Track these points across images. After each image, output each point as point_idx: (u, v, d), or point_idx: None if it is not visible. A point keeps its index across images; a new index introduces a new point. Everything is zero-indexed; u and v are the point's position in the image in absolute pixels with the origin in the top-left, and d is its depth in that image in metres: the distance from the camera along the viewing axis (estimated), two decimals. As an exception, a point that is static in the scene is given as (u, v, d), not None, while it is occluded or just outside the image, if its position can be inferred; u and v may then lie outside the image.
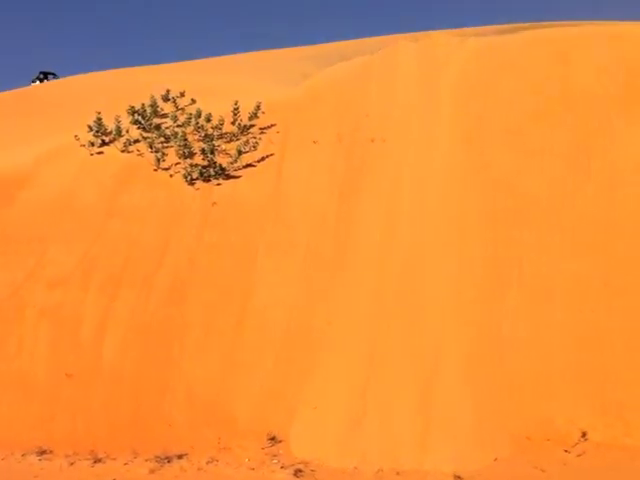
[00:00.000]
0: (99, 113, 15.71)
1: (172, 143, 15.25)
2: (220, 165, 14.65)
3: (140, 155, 15.11)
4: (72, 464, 10.79)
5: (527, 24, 17.89)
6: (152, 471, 10.51)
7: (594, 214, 12.58)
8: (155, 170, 14.75)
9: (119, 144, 15.41)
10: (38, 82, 34.51)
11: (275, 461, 10.53)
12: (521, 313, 11.65)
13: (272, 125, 15.58)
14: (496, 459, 10.19)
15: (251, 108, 15.72)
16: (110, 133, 15.69)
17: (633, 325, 11.18)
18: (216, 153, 14.86)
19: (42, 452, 11.11)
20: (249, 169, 14.68)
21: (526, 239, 12.49)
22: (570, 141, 13.71)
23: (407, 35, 18.41)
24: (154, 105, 16.35)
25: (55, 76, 35.28)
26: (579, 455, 10.13)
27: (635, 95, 13.99)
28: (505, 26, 18.12)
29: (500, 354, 11.27)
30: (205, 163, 14.66)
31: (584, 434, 10.33)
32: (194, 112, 15.93)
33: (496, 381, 11.02)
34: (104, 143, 15.57)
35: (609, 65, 14.74)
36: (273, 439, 10.87)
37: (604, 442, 10.24)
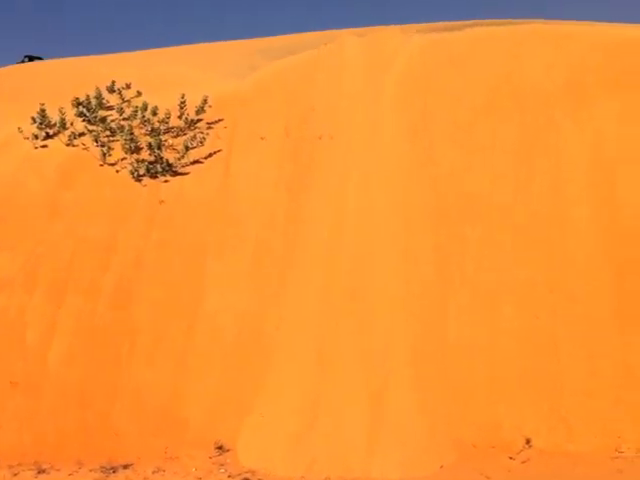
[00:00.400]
0: (43, 105, 15.39)
1: (118, 137, 15.03)
2: (167, 161, 14.49)
3: (85, 149, 14.86)
4: (16, 475, 10.68)
5: (473, 21, 17.94)
6: (97, 481, 10.49)
7: (538, 212, 12.69)
8: (101, 165, 14.54)
9: (64, 137, 15.13)
10: None
11: (222, 470, 10.53)
12: (465, 316, 11.79)
13: (219, 120, 15.44)
14: (442, 466, 10.36)
15: (198, 101, 15.51)
16: (54, 125, 15.41)
17: (576, 331, 11.38)
18: (163, 148, 14.69)
19: (-15, 464, 10.97)
20: (196, 165, 14.56)
21: (470, 236, 12.61)
22: (516, 138, 13.79)
23: (353, 30, 18.33)
24: (99, 97, 16.03)
25: (42, 61, 33.79)
26: (523, 462, 10.32)
27: (582, 93, 14.13)
28: (451, 23, 18.14)
29: (446, 360, 11.43)
30: (152, 159, 14.48)
31: (528, 441, 10.54)
32: (140, 105, 15.69)
33: (443, 388, 11.17)
34: (48, 136, 15.28)
35: (557, 63, 14.84)
36: (221, 448, 10.88)
37: (548, 449, 10.45)
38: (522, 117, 14.07)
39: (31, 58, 32.66)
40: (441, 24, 18.48)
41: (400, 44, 16.57)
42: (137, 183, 14.21)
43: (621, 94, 13.97)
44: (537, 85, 14.57)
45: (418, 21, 20.09)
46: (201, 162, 14.61)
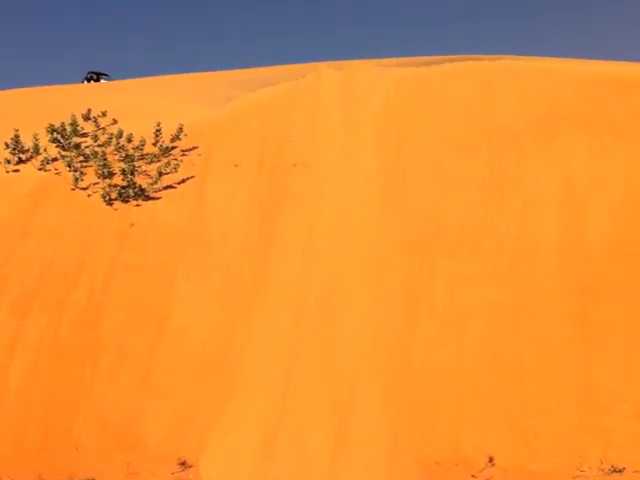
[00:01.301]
0: (17, 130, 15.44)
1: (91, 163, 15.06)
2: (140, 186, 14.52)
3: (58, 174, 14.89)
4: (-26, 489, 10.52)
5: (448, 56, 18.21)
6: (56, 496, 10.31)
7: (505, 245, 12.79)
8: (73, 189, 14.54)
9: (36, 162, 15.16)
10: (85, 82, 32.47)
11: (184, 486, 10.46)
12: (433, 340, 11.79)
13: (194, 147, 15.51)
14: (405, 484, 10.30)
15: (173, 130, 15.62)
16: (28, 151, 15.43)
17: (540, 354, 11.42)
18: (136, 174, 14.71)
19: (-57, 477, 10.77)
20: (169, 191, 14.57)
21: (440, 267, 12.65)
22: (486, 172, 13.91)
23: (330, 63, 18.55)
24: (74, 124, 16.09)
25: (108, 77, 33.32)
26: (486, 480, 10.31)
27: (552, 128, 14.28)
28: (427, 58, 18.43)
29: (413, 380, 11.39)
30: (124, 184, 14.51)
31: (491, 459, 10.50)
32: (115, 132, 15.77)
33: (408, 408, 11.15)
34: (21, 161, 15.29)
35: (528, 98, 15.03)
36: (183, 464, 10.77)
37: (510, 467, 10.41)
38: (492, 151, 14.21)
39: (96, 74, 32.30)
40: (416, 59, 18.74)
41: (377, 78, 16.73)
42: (108, 207, 14.20)
43: (591, 129, 14.13)
44: (508, 120, 14.72)
45: (394, 55, 20.34)
46: (174, 187, 14.63)
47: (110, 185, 14.48)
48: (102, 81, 32.63)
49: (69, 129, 16.01)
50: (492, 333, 11.75)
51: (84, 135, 16.18)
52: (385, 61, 18.83)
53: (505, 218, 13.13)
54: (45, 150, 15.38)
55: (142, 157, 15.41)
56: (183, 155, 15.37)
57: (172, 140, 15.63)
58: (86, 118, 16.76)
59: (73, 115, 16.25)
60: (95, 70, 33.97)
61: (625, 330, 11.58)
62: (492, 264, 12.58)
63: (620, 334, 11.57)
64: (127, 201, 14.34)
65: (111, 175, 14.77)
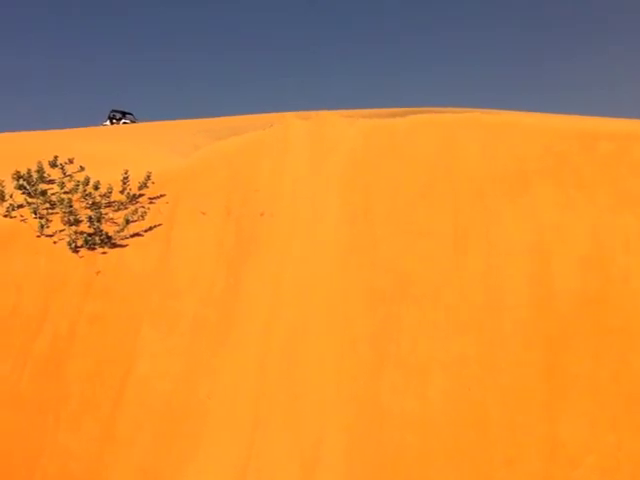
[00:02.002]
0: (-19, 177, 15.35)
1: (57, 210, 14.97)
2: (106, 233, 14.44)
3: (23, 221, 14.77)
4: None
5: (414, 108, 18.43)
6: None
7: (471, 296, 12.85)
8: (38, 236, 14.43)
9: (2, 209, 15.03)
10: (108, 122, 31.09)
11: (147, 540, 10.26)
12: (398, 390, 11.78)
13: (162, 195, 15.50)
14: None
15: (141, 177, 15.60)
16: (-7, 197, 15.33)
17: (506, 404, 11.45)
18: (103, 221, 14.65)
19: None
20: (136, 238, 14.52)
21: (405, 317, 12.69)
22: (452, 223, 14.00)
23: (297, 113, 18.72)
24: (40, 171, 16.03)
25: (132, 117, 31.92)
26: (453, 531, 10.25)
27: (518, 180, 14.44)
28: (393, 109, 18.65)
29: (378, 430, 11.36)
30: (91, 231, 14.43)
31: (458, 510, 10.49)
32: (82, 179, 15.71)
33: (373, 457, 11.10)
34: (-14, 207, 15.19)
35: (495, 150, 15.19)
36: (147, 517, 10.61)
37: (477, 519, 10.39)
38: (458, 203, 14.29)
39: (121, 113, 31.15)
40: (384, 110, 18.94)
41: (344, 128, 16.87)
42: (74, 254, 14.10)
43: (558, 183, 14.26)
44: (475, 172, 14.84)
45: (361, 106, 20.60)
46: (141, 235, 14.58)
47: (76, 232, 14.39)
48: (122, 122, 31.67)
49: (35, 176, 15.93)
50: (458, 383, 11.77)
51: (51, 182, 16.11)
52: (350, 112, 19.02)
53: (471, 269, 13.21)
54: (11, 197, 15.28)
55: (109, 204, 15.35)
56: (150, 203, 15.35)
57: (140, 188, 15.61)
58: (53, 165, 16.71)
59: (39, 162, 16.20)
60: (119, 109, 32.69)
61: (590, 381, 11.65)
62: (457, 315, 12.63)
63: (585, 385, 11.63)
64: (93, 248, 14.26)
65: (77, 222, 14.68)
